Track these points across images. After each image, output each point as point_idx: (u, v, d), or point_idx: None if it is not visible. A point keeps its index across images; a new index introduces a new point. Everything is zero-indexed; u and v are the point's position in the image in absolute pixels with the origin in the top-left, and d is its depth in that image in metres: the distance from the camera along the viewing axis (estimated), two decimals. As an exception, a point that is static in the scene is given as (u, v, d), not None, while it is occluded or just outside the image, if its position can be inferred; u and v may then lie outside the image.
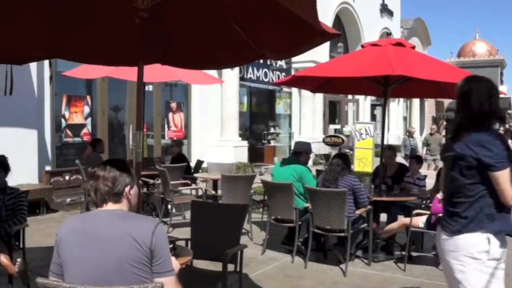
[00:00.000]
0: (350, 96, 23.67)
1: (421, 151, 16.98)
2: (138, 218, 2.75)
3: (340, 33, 3.95)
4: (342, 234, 6.65)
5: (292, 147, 19.52)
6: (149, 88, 13.93)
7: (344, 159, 7.04)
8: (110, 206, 2.75)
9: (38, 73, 10.82)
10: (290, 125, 21.42)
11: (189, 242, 4.92)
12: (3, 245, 5.04)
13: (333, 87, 8.86)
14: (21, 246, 5.60)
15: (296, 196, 7.15)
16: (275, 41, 4.25)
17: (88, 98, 12.73)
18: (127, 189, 2.77)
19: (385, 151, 7.97)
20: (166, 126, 15.23)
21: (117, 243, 2.59)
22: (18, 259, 4.71)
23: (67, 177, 11.40)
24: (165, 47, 4.78)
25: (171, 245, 3.76)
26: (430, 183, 8.23)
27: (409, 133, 17.69)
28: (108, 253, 2.59)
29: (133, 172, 2.87)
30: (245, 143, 17.15)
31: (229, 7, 4.14)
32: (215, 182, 9.51)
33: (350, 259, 6.80)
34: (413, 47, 7.37)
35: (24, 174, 9.75)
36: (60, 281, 2.63)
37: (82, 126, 12.49)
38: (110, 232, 2.62)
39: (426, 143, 16.82)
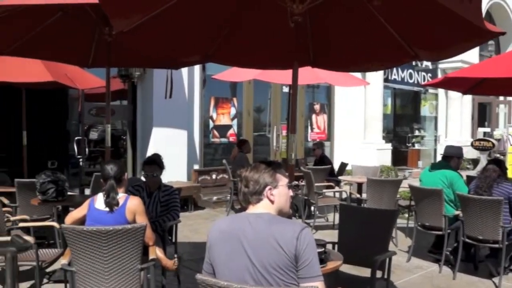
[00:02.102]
0: (501, 98, 22.29)
1: None
2: (284, 223, 2.70)
3: (505, 31, 3.68)
4: (496, 246, 6.24)
5: (438, 151, 18.90)
6: (293, 90, 14.07)
7: (500, 166, 6.61)
8: (254, 207, 2.77)
9: (189, 76, 11.35)
10: (435, 128, 20.62)
11: (336, 246, 4.87)
12: (158, 239, 5.29)
13: (486, 89, 8.37)
14: (173, 240, 5.86)
15: (446, 202, 6.83)
16: (433, 42, 4.08)
17: (234, 100, 13.14)
18: (267, 189, 2.76)
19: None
20: (309, 127, 15.33)
21: (262, 248, 2.59)
22: (176, 255, 4.94)
23: (213, 176, 11.86)
24: (315, 49, 4.78)
25: (322, 249, 3.74)
26: None
27: None
28: (253, 257, 2.60)
29: (279, 174, 2.84)
30: (389, 145, 16.79)
31: (383, 8, 4.04)
32: (359, 185, 9.36)
33: (504, 273, 6.35)
34: None
35: (174, 172, 10.24)
36: (218, 280, 2.68)
37: (228, 127, 12.93)
38: (255, 236, 2.63)
39: None
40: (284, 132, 13.49)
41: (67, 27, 5.43)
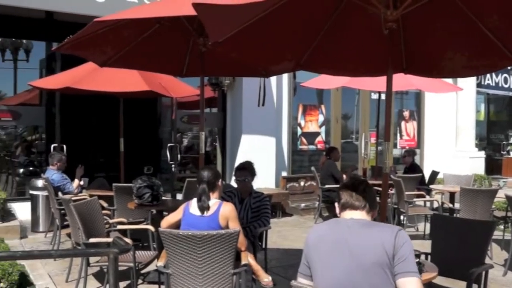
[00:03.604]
0: None
1: None
2: (382, 225, 2.83)
3: None
4: None
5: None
6: (381, 96, 13.91)
7: None
8: (357, 213, 2.83)
9: (277, 84, 11.45)
10: (533, 135, 19.68)
11: (429, 257, 4.76)
12: (249, 245, 5.36)
13: None
14: (263, 246, 5.93)
15: (546, 214, 6.52)
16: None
17: (322, 107, 13.12)
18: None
19: None
20: (398, 135, 15.06)
21: (363, 250, 2.66)
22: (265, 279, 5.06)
23: (302, 183, 11.86)
24: (408, 56, 4.71)
25: (417, 259, 3.68)
26: None
27: None
28: (354, 260, 2.66)
29: None
30: (482, 153, 16.17)
31: (480, 11, 3.93)
32: (452, 194, 9.08)
33: None
34: None
35: (263, 179, 10.31)
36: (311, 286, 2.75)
37: (316, 134, 12.93)
38: (355, 239, 2.70)
39: None
40: (373, 140, 13.31)
41: (163, 39, 5.65)
